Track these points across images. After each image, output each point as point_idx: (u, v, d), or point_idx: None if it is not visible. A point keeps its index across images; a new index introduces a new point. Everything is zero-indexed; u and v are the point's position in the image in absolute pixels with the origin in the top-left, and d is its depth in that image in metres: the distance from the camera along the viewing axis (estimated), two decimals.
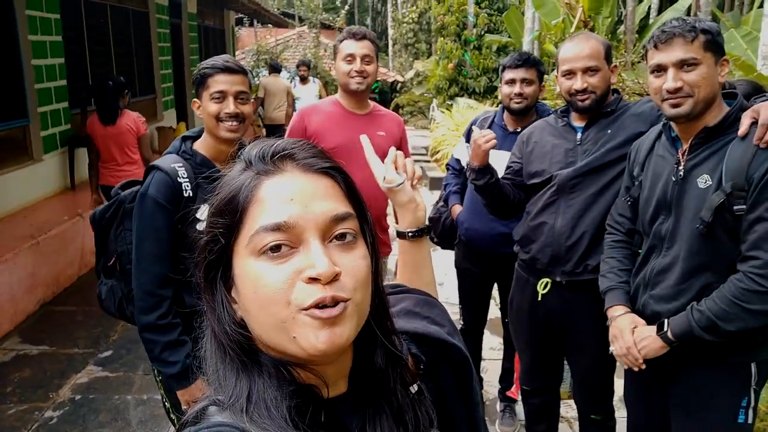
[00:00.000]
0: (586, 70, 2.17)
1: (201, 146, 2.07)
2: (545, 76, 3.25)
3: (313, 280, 0.67)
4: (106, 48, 7.81)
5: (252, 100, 2.09)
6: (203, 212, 1.96)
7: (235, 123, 1.99)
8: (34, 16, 5.87)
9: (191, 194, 1.97)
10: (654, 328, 1.83)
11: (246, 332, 0.73)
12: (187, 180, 1.96)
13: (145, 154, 5.14)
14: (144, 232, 1.95)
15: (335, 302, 0.68)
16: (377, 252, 0.78)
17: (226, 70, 1.98)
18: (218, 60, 2.01)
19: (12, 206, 5.46)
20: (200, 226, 1.94)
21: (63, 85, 6.44)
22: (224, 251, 0.73)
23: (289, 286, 0.68)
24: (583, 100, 2.20)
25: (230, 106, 1.97)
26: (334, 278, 0.68)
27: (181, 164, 1.99)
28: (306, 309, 0.67)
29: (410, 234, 1.10)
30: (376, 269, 0.77)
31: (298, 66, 9.90)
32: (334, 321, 0.68)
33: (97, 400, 3.47)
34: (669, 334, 1.77)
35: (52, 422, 3.26)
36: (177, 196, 1.94)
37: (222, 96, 1.98)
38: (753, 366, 1.77)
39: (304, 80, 9.53)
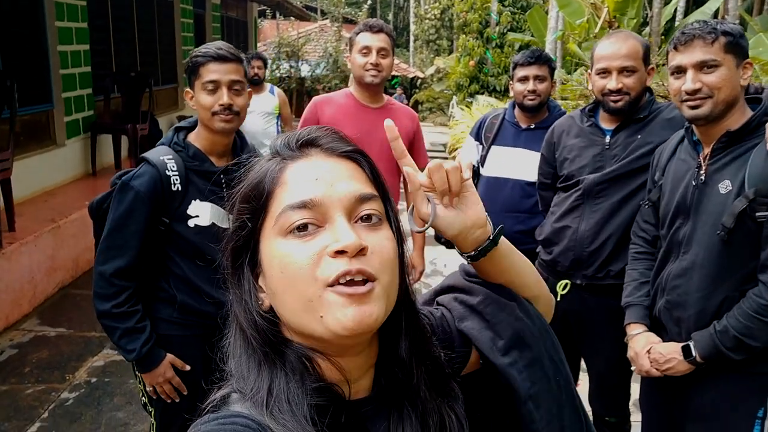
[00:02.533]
0: (622, 70, 2.11)
1: (195, 138, 1.99)
2: (568, 76, 3.22)
3: (339, 253, 0.66)
4: (130, 36, 7.89)
5: (248, 90, 1.99)
6: (195, 208, 1.94)
7: (229, 115, 1.90)
8: (61, 2, 5.95)
9: (180, 188, 1.91)
10: (678, 348, 1.81)
11: (274, 320, 0.72)
12: (177, 173, 1.90)
13: None
14: (118, 221, 1.89)
15: (362, 277, 0.67)
16: (402, 239, 0.77)
17: (219, 58, 1.88)
18: (210, 47, 1.91)
19: (34, 190, 5.55)
20: (192, 223, 1.93)
21: (87, 71, 6.52)
22: (251, 236, 0.73)
23: (316, 262, 0.67)
24: (616, 101, 2.14)
25: (224, 97, 1.88)
26: (361, 252, 0.67)
27: (171, 156, 1.92)
28: (332, 285, 0.66)
29: (469, 258, 0.87)
30: (401, 257, 0.75)
31: (249, 60, 5.22)
32: (362, 299, 0.66)
33: (112, 383, 3.53)
34: (697, 358, 1.76)
35: (68, 403, 3.32)
36: (163, 190, 1.88)
37: (215, 86, 1.89)
38: None
39: (256, 85, 5.19)
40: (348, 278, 0.66)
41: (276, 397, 0.68)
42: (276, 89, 5.55)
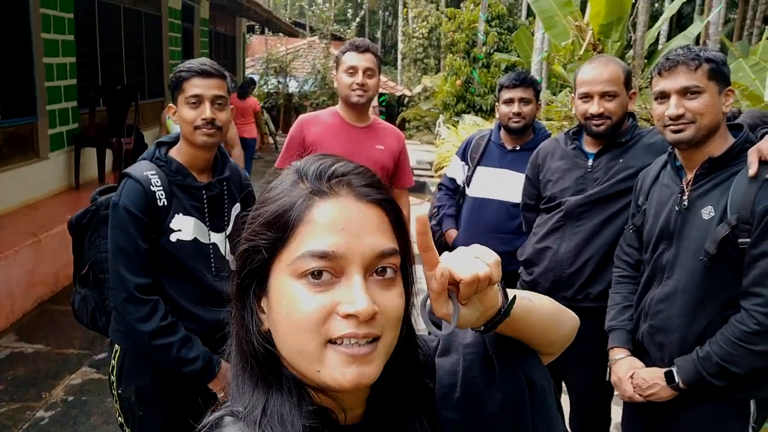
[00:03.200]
0: (604, 95, 2.15)
1: (177, 153, 1.98)
2: (552, 98, 3.26)
3: (350, 316, 0.66)
4: (117, 49, 7.86)
5: (231, 107, 2.00)
6: (178, 222, 1.93)
7: (211, 129, 1.90)
8: (48, 15, 5.92)
9: (165, 203, 1.90)
10: (661, 374, 1.81)
11: (270, 346, 0.72)
12: (161, 188, 1.89)
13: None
14: (121, 242, 1.87)
15: (367, 338, 0.67)
16: (412, 285, 0.77)
17: (203, 73, 1.89)
18: (195, 63, 1.92)
19: (15, 202, 5.47)
20: (174, 237, 1.91)
21: (73, 84, 6.48)
22: (265, 264, 0.72)
23: (324, 318, 0.67)
24: (598, 125, 2.17)
25: (206, 111, 1.88)
26: (372, 318, 0.67)
27: (154, 172, 1.91)
28: (334, 341, 0.67)
29: (483, 331, 0.81)
30: (408, 305, 0.76)
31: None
32: (363, 359, 0.67)
33: (89, 402, 3.45)
34: (680, 384, 1.77)
35: (43, 422, 3.24)
36: (150, 206, 1.87)
37: (198, 101, 1.89)
38: (752, 403, 1.76)
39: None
40: (353, 341, 0.67)
41: (270, 417, 0.68)
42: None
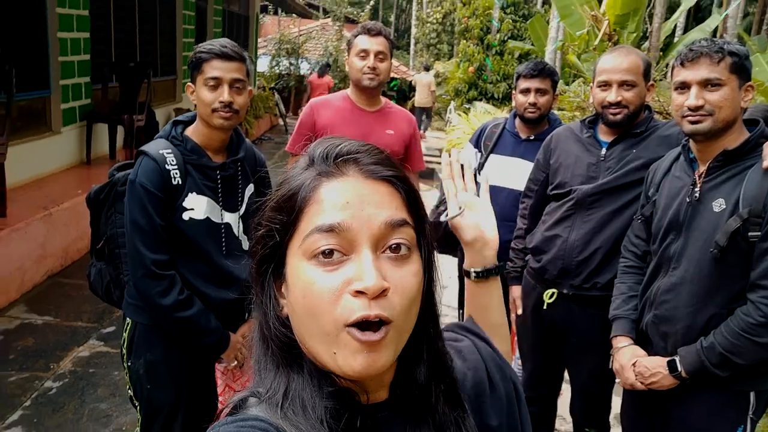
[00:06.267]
0: (622, 84, 2.15)
1: (192, 132, 1.99)
2: (565, 87, 3.24)
3: (360, 293, 0.66)
4: (130, 26, 7.85)
5: (249, 89, 1.99)
6: (191, 201, 1.94)
7: (228, 112, 1.91)
8: None
9: (180, 182, 1.91)
10: (664, 363, 1.83)
11: (289, 331, 0.73)
12: (176, 167, 1.90)
13: None
14: (139, 219, 1.89)
15: (379, 321, 0.67)
16: (433, 265, 0.76)
17: (223, 56, 1.89)
18: (215, 44, 1.91)
19: (27, 176, 5.51)
20: (186, 216, 1.93)
21: (86, 59, 6.49)
22: (279, 247, 0.73)
23: (337, 298, 0.67)
24: (615, 114, 2.17)
25: (225, 94, 1.88)
26: (382, 293, 0.67)
27: (170, 150, 1.92)
28: (349, 325, 0.66)
29: (475, 274, 1.02)
30: (429, 285, 0.75)
31: None
32: (373, 347, 0.67)
33: (96, 375, 3.51)
34: (683, 373, 1.78)
35: (50, 392, 3.30)
36: (165, 184, 1.89)
37: (217, 83, 1.89)
38: (752, 395, 1.77)
39: None
40: (362, 334, 0.67)
41: (291, 400, 0.68)
42: None
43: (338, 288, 0.67)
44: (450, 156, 1.07)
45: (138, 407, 2.10)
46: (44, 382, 3.39)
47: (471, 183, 1.06)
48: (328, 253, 0.68)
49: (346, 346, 0.67)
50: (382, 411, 0.74)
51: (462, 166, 1.07)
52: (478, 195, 1.05)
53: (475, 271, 1.01)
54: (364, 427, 0.70)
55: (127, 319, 2.08)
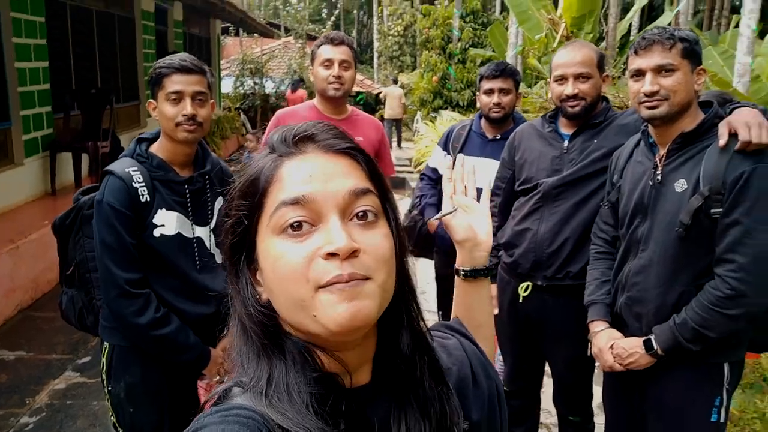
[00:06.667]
0: (578, 77, 2.21)
1: (157, 149, 1.98)
2: (528, 89, 3.30)
3: (331, 255, 0.67)
4: (90, 53, 7.77)
5: (211, 102, 1.98)
6: (161, 217, 1.93)
7: (192, 125, 1.90)
8: (18, 19, 5.84)
9: (148, 199, 1.89)
10: (640, 343, 1.86)
11: (271, 313, 0.73)
12: (143, 184, 1.88)
13: None
14: (108, 239, 1.86)
15: (353, 278, 0.67)
16: (402, 232, 0.78)
17: (183, 69, 1.88)
18: (175, 59, 1.91)
19: None
20: (157, 232, 1.92)
21: (46, 88, 6.39)
22: (247, 233, 0.74)
23: (308, 263, 0.68)
24: (573, 106, 2.23)
25: (187, 107, 1.88)
26: (353, 254, 0.67)
27: (136, 168, 1.90)
28: (323, 286, 0.67)
29: (463, 273, 1.05)
30: (401, 250, 0.76)
31: None
32: (354, 294, 0.67)
33: (74, 406, 3.42)
34: (659, 350, 1.82)
35: (27, 428, 3.21)
36: (133, 201, 1.87)
37: (179, 96, 1.88)
38: (726, 366, 1.82)
39: None
40: (339, 285, 0.67)
41: (275, 387, 0.68)
42: None
43: (309, 255, 0.68)
44: (456, 161, 1.11)
45: None
46: (20, 418, 3.29)
47: (472, 189, 1.08)
48: (296, 226, 0.69)
49: (325, 302, 0.67)
50: (365, 393, 0.75)
51: (466, 172, 1.09)
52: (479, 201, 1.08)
53: (464, 270, 1.05)
54: (349, 410, 0.70)
55: (104, 343, 2.04)
